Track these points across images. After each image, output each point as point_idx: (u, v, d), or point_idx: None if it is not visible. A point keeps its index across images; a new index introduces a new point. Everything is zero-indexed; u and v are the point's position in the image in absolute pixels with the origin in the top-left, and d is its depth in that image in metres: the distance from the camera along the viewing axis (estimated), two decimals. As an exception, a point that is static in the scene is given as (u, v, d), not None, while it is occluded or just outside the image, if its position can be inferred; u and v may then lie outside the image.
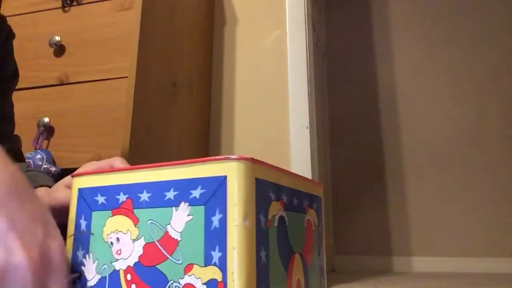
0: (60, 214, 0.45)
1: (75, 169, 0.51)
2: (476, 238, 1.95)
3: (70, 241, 0.41)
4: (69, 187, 0.50)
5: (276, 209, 0.38)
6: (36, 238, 0.33)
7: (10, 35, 0.70)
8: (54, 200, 0.51)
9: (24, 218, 0.33)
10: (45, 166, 0.98)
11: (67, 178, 0.53)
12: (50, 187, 0.57)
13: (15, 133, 0.72)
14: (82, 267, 0.40)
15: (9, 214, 0.32)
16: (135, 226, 0.38)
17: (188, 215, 0.35)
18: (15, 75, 0.72)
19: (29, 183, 0.37)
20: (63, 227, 0.43)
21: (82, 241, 0.40)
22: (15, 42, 0.73)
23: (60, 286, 0.34)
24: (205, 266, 0.34)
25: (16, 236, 0.31)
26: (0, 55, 0.67)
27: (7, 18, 0.70)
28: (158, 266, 0.36)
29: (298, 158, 1.35)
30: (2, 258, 0.30)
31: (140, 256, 0.37)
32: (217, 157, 0.35)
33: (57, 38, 1.11)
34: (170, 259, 0.35)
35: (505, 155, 2.03)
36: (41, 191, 0.55)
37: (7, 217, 0.32)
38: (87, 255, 0.40)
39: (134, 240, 0.37)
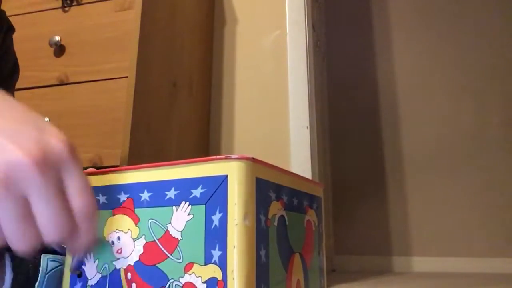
0: None
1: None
2: (476, 238, 1.95)
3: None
4: None
5: (276, 209, 0.39)
6: (29, 136, 0.30)
7: (10, 28, 0.69)
8: None
9: (11, 122, 0.31)
10: (45, 166, 0.98)
11: None
12: None
13: None
14: (83, 266, 0.40)
15: (7, 109, 0.31)
16: (135, 225, 0.38)
17: (188, 214, 0.35)
18: (15, 69, 0.71)
19: (9, 95, 0.35)
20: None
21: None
22: (15, 42, 0.73)
23: (78, 177, 0.32)
24: (205, 264, 0.34)
25: (5, 138, 0.29)
26: (1, 50, 0.66)
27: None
28: (159, 265, 0.36)
29: (298, 158, 1.35)
30: (1, 161, 0.28)
31: (140, 255, 0.37)
32: (218, 156, 0.35)
33: (57, 38, 1.11)
34: (171, 258, 0.35)
35: (505, 155, 2.03)
36: None
37: (5, 114, 0.31)
38: (88, 254, 0.40)
39: (134, 239, 0.38)
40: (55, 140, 0.32)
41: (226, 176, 0.35)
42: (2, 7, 0.67)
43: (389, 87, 2.27)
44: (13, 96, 0.71)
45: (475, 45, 2.19)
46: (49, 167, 0.30)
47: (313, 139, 1.40)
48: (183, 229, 0.35)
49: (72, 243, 0.33)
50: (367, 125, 2.25)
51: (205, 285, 0.33)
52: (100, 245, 0.39)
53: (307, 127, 1.37)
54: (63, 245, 0.33)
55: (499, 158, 2.03)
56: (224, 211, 0.34)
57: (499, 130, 2.07)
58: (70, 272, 0.40)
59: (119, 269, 0.38)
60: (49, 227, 0.30)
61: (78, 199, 0.32)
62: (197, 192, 0.35)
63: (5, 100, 0.34)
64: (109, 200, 0.40)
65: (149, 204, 0.38)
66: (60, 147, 0.31)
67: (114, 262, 0.38)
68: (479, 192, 2.01)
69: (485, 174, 2.02)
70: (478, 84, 2.14)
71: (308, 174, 1.32)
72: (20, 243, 0.30)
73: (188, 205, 0.36)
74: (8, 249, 0.46)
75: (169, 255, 0.35)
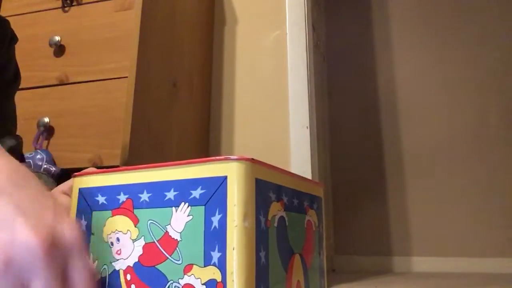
0: None
1: (75, 169, 0.51)
2: (476, 238, 1.95)
3: None
4: (66, 193, 0.50)
5: (276, 210, 0.38)
6: (45, 221, 0.30)
7: (13, 38, 0.70)
8: None
9: (31, 204, 0.31)
10: (45, 166, 0.98)
11: (64, 184, 0.52)
12: (50, 190, 0.57)
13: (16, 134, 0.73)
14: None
15: (15, 201, 0.31)
16: (135, 226, 0.38)
17: (188, 215, 0.35)
18: (16, 77, 0.73)
19: (31, 172, 0.36)
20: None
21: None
22: (15, 42, 0.73)
23: (83, 268, 0.32)
24: (204, 266, 0.34)
25: (23, 220, 0.29)
26: (4, 58, 0.67)
27: (7, 18, 0.71)
28: (158, 266, 0.36)
29: (298, 158, 1.35)
30: (9, 239, 0.28)
31: (140, 256, 0.37)
32: (217, 157, 0.35)
33: (57, 38, 1.11)
34: (170, 259, 0.35)
35: (505, 155, 2.03)
36: None
37: (13, 204, 0.31)
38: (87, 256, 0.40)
39: (134, 240, 0.37)
40: (69, 229, 0.32)
41: (226, 177, 0.34)
42: (2, 7, 0.68)
43: (389, 87, 2.26)
44: (14, 102, 0.72)
45: (475, 45, 2.18)
46: (57, 255, 0.30)
47: (313, 139, 1.40)
48: (183, 230, 0.35)
49: None
50: (367, 125, 2.25)
51: (204, 286, 0.33)
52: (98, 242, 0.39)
53: (307, 127, 1.37)
54: None
55: (499, 158, 2.03)
56: (224, 212, 0.34)
57: (499, 130, 2.07)
58: None
59: (119, 270, 0.38)
60: None
61: None
62: (196, 193, 0.35)
63: (24, 173, 0.34)
64: (109, 201, 0.40)
65: (149, 205, 0.37)
66: (72, 237, 0.31)
67: (113, 263, 0.38)
68: (479, 192, 2.01)
69: (485, 174, 2.02)
70: (478, 84, 2.14)
71: (308, 174, 1.32)
72: None
73: (188, 206, 0.35)
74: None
75: (168, 256, 0.35)
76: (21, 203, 0.31)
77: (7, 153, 0.36)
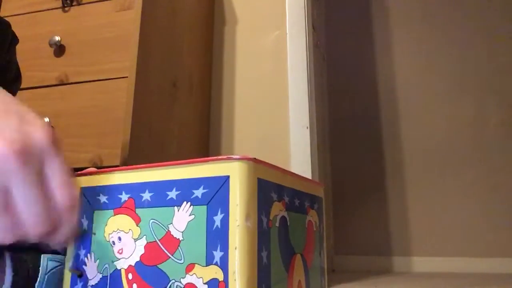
0: None
1: (75, 169, 0.51)
2: (476, 238, 1.95)
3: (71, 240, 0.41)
4: None
5: (277, 210, 0.39)
6: (11, 127, 0.30)
7: (14, 40, 0.71)
8: None
9: (13, 104, 0.32)
10: (45, 166, 0.98)
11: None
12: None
13: None
14: (84, 267, 0.40)
15: None
16: (137, 226, 0.38)
17: (190, 215, 0.35)
18: (17, 78, 0.73)
19: None
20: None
21: (84, 240, 0.40)
22: (15, 42, 0.73)
23: (58, 169, 0.32)
24: (206, 265, 0.34)
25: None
26: (4, 60, 0.68)
27: (7, 18, 0.71)
28: (160, 266, 0.36)
29: (298, 158, 1.35)
30: None
31: (141, 256, 0.37)
32: (219, 157, 0.35)
33: (57, 38, 1.11)
34: (172, 259, 0.35)
35: (505, 155, 2.03)
36: None
37: None
38: (88, 255, 0.40)
39: (135, 240, 0.37)
40: (38, 132, 0.32)
41: (228, 176, 0.34)
42: (2, 8, 0.68)
43: (389, 87, 2.27)
44: None
45: (475, 45, 2.19)
46: (30, 158, 0.30)
47: (313, 139, 1.40)
48: (185, 230, 0.35)
49: (54, 234, 0.33)
50: (367, 125, 2.25)
51: (206, 286, 0.33)
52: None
53: (307, 127, 1.37)
54: (44, 240, 0.33)
55: (499, 158, 2.03)
56: (226, 211, 0.34)
57: (499, 130, 2.07)
58: (69, 272, 0.40)
59: (120, 269, 0.38)
60: (30, 218, 0.30)
61: (60, 191, 0.32)
62: (198, 193, 0.35)
63: None
64: (110, 200, 0.40)
65: (150, 204, 0.37)
66: (43, 139, 0.31)
67: (115, 262, 0.38)
68: (479, 192, 2.01)
69: (486, 174, 2.02)
70: (478, 84, 2.14)
71: (308, 174, 1.32)
72: (1, 234, 0.30)
73: (190, 206, 0.36)
74: (8, 249, 0.46)
75: (170, 255, 0.35)
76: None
77: None
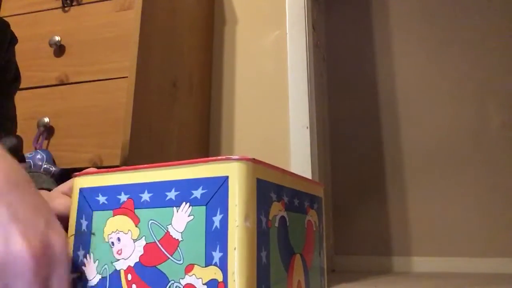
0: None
1: (75, 169, 0.51)
2: (476, 238, 1.95)
3: (70, 241, 0.41)
4: (66, 193, 0.50)
5: (277, 210, 0.38)
6: (37, 229, 0.32)
7: (13, 40, 0.71)
8: (56, 207, 0.51)
9: (25, 209, 0.32)
10: (45, 166, 0.98)
11: (64, 185, 0.52)
12: (50, 190, 0.57)
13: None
14: (83, 267, 0.40)
15: (10, 205, 0.32)
16: (136, 226, 0.38)
17: (189, 215, 0.35)
18: (16, 78, 0.73)
19: (29, 177, 0.36)
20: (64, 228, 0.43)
21: (83, 241, 0.40)
22: (15, 42, 0.73)
23: (63, 279, 0.33)
24: (205, 266, 0.34)
25: (17, 226, 0.30)
26: (3, 60, 0.68)
27: (7, 18, 0.71)
28: (159, 266, 0.36)
29: (298, 158, 1.35)
30: (2, 248, 0.29)
31: (141, 256, 0.37)
32: (218, 157, 0.35)
33: (57, 38, 1.11)
34: (171, 259, 0.35)
35: (505, 155, 2.03)
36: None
37: (8, 208, 0.31)
38: (87, 255, 0.40)
39: (135, 240, 0.37)
40: (58, 239, 0.33)
41: (227, 177, 0.34)
42: (2, 8, 0.68)
43: (389, 87, 2.26)
44: (14, 102, 0.72)
45: (475, 44, 2.19)
46: (44, 263, 0.31)
47: (313, 139, 1.40)
48: (184, 230, 0.35)
49: None
50: (367, 125, 2.25)
51: (205, 286, 0.33)
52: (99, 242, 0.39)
53: (307, 127, 1.37)
54: None
55: (499, 158, 2.03)
56: (225, 212, 0.34)
57: (499, 130, 2.07)
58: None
59: (119, 270, 0.38)
60: None
61: None
62: (197, 193, 0.35)
63: (22, 175, 0.35)
64: (109, 201, 0.40)
65: (150, 205, 0.37)
66: (61, 247, 0.33)
67: (114, 263, 0.38)
68: (479, 192, 2.01)
69: (485, 174, 2.02)
70: (479, 83, 2.14)
71: (308, 174, 1.32)
72: None
73: (189, 206, 0.35)
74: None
75: (169, 256, 0.35)
76: (16, 208, 0.32)
77: (6, 153, 0.36)
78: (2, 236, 0.30)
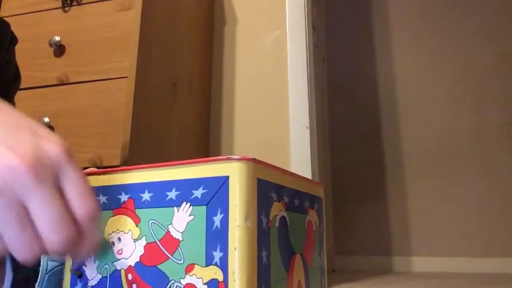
0: None
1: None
2: (476, 238, 1.95)
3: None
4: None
5: (277, 210, 0.38)
6: (24, 141, 0.30)
7: (13, 40, 0.71)
8: None
9: (5, 127, 0.31)
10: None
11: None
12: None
13: None
14: (83, 267, 0.40)
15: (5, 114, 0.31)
16: (136, 226, 0.38)
17: (189, 215, 0.35)
18: (16, 78, 0.73)
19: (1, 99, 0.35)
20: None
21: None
22: (15, 42, 0.74)
23: (78, 180, 0.31)
24: (206, 266, 0.34)
25: (2, 147, 0.29)
26: (4, 60, 0.68)
27: (7, 18, 0.71)
28: (159, 266, 0.36)
29: (298, 158, 1.35)
30: None
31: (141, 256, 0.37)
32: (219, 157, 0.35)
33: (57, 38, 1.11)
34: (172, 259, 0.35)
35: (505, 155, 2.03)
36: None
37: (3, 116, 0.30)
38: (89, 257, 0.40)
39: (135, 240, 0.37)
40: (51, 145, 0.31)
41: (228, 177, 0.34)
42: (2, 8, 0.68)
43: (389, 87, 2.27)
44: (14, 102, 0.73)
45: (475, 44, 2.19)
46: (44, 172, 0.29)
47: (313, 139, 1.40)
48: (184, 230, 0.35)
49: (75, 249, 0.32)
50: (367, 125, 2.25)
51: (206, 286, 0.33)
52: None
53: (307, 127, 1.37)
54: (64, 255, 0.33)
55: (499, 158, 2.03)
56: (226, 212, 0.34)
57: (499, 130, 2.07)
58: (70, 273, 0.40)
59: (120, 269, 0.38)
60: (50, 233, 0.29)
61: (79, 204, 0.31)
62: (198, 193, 0.35)
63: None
64: (110, 201, 0.40)
65: (150, 204, 0.37)
66: (56, 151, 0.31)
67: (114, 263, 0.38)
68: (479, 192, 2.01)
69: (485, 174, 2.02)
70: (478, 83, 2.14)
71: (308, 174, 1.32)
72: (21, 252, 0.29)
73: (189, 206, 0.35)
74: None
75: (170, 256, 0.35)
76: (0, 132, 0.30)
77: None
78: None
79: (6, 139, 0.30)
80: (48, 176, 0.30)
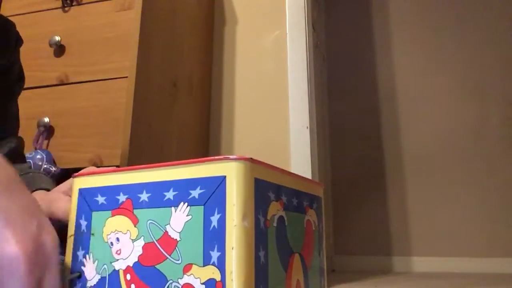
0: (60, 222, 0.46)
1: (75, 169, 0.51)
2: (476, 238, 1.95)
3: (70, 241, 0.42)
4: (66, 193, 0.50)
5: (275, 209, 0.39)
6: (30, 232, 0.33)
7: (19, 41, 0.71)
8: (55, 211, 0.50)
9: (17, 212, 0.33)
10: (45, 166, 0.98)
11: (65, 184, 0.52)
12: (48, 190, 0.57)
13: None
14: (82, 267, 0.40)
15: (4, 209, 0.33)
16: (134, 226, 0.38)
17: (187, 215, 0.35)
18: (20, 78, 0.73)
19: (20, 179, 0.37)
20: (64, 228, 0.43)
21: (82, 241, 0.40)
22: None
23: (54, 280, 0.34)
24: (204, 266, 0.34)
25: (10, 230, 0.32)
26: (9, 61, 0.68)
27: (7, 18, 0.71)
28: (158, 266, 0.36)
29: (298, 158, 1.35)
30: None
31: (139, 256, 0.37)
32: (216, 157, 0.35)
33: (57, 38, 1.11)
34: (169, 259, 0.35)
35: (505, 155, 2.03)
36: (39, 195, 0.55)
37: (2, 212, 0.33)
38: (87, 255, 0.40)
39: (133, 240, 0.38)
40: (49, 238, 0.34)
41: (225, 176, 0.35)
42: (2, 7, 0.68)
43: (389, 87, 2.27)
44: (17, 102, 0.73)
45: (475, 44, 2.19)
46: (36, 267, 0.32)
47: (313, 139, 1.40)
48: (182, 230, 0.35)
49: None
50: (367, 125, 2.25)
51: (203, 286, 0.33)
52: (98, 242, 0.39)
53: (307, 127, 1.37)
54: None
55: (499, 158, 2.03)
56: (223, 212, 0.34)
57: (499, 129, 2.07)
58: (68, 273, 0.40)
59: (118, 270, 0.38)
60: None
61: None
62: (195, 193, 0.35)
63: (15, 179, 0.37)
64: (108, 201, 0.40)
65: (148, 205, 0.38)
66: (52, 246, 0.34)
67: (113, 263, 0.38)
68: (479, 192, 2.01)
69: (485, 173, 2.02)
70: (478, 83, 2.14)
71: (308, 174, 1.32)
72: None
73: (187, 206, 0.36)
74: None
75: (168, 256, 0.35)
76: (9, 212, 0.33)
77: (1, 158, 0.37)
78: None
79: (16, 226, 0.32)
80: (38, 270, 0.33)
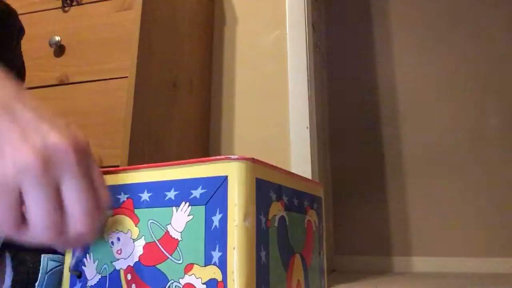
0: None
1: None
2: (476, 238, 1.95)
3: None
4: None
5: (276, 209, 0.39)
6: (63, 126, 0.33)
7: (22, 31, 0.70)
8: None
9: (46, 113, 0.34)
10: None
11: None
12: None
13: None
14: (83, 267, 0.40)
15: (33, 107, 0.33)
16: (135, 226, 0.38)
17: (188, 215, 0.35)
18: (22, 67, 0.73)
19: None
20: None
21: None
22: (16, 42, 0.73)
23: (98, 169, 0.34)
24: (205, 266, 0.34)
25: (49, 126, 0.32)
26: (13, 54, 0.67)
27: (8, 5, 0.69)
28: (159, 266, 0.36)
29: (298, 158, 1.35)
30: (42, 143, 0.30)
31: (140, 256, 0.37)
32: (218, 157, 0.35)
33: (57, 38, 1.11)
34: (171, 259, 0.35)
35: (505, 155, 2.03)
36: None
37: (33, 109, 0.33)
38: (87, 255, 0.40)
39: (134, 240, 0.37)
40: (79, 133, 0.35)
41: (226, 176, 0.34)
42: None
43: (389, 87, 2.26)
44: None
45: (475, 44, 2.19)
46: (82, 155, 0.32)
47: (313, 139, 1.40)
48: (183, 230, 0.35)
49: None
50: (367, 125, 2.25)
51: (205, 286, 0.33)
52: (99, 241, 0.39)
53: (307, 127, 1.37)
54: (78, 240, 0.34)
55: (499, 158, 2.03)
56: (224, 212, 0.34)
57: (499, 129, 2.07)
58: (69, 273, 0.40)
59: (119, 269, 0.38)
60: (80, 215, 0.31)
61: (102, 190, 0.33)
62: (197, 193, 0.35)
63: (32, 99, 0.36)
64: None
65: (149, 204, 0.37)
66: (85, 140, 0.35)
67: (114, 263, 0.38)
68: (479, 192, 2.01)
69: (485, 173, 2.02)
70: (478, 83, 2.14)
71: (308, 174, 1.32)
72: (45, 232, 0.30)
73: (188, 206, 0.36)
74: (8, 248, 0.46)
75: (169, 256, 0.35)
76: (40, 111, 0.33)
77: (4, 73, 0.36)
78: (39, 134, 0.31)
79: (51, 122, 0.32)
80: (85, 161, 0.32)
